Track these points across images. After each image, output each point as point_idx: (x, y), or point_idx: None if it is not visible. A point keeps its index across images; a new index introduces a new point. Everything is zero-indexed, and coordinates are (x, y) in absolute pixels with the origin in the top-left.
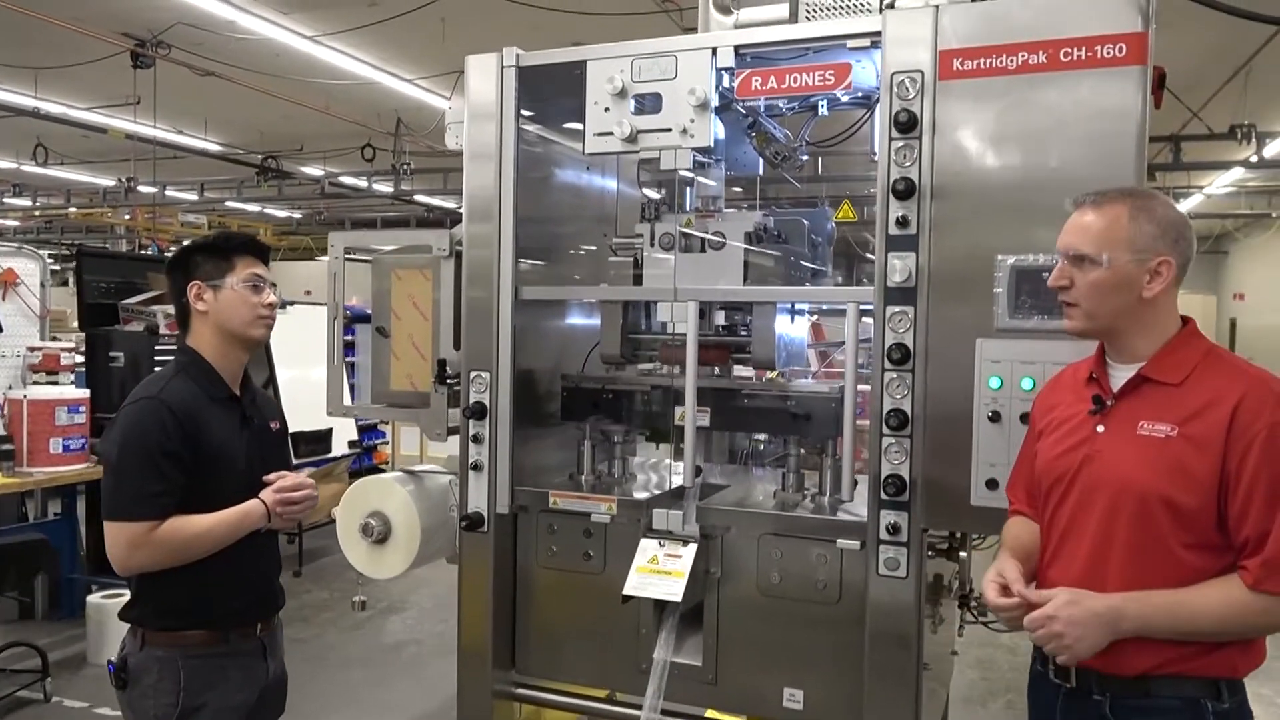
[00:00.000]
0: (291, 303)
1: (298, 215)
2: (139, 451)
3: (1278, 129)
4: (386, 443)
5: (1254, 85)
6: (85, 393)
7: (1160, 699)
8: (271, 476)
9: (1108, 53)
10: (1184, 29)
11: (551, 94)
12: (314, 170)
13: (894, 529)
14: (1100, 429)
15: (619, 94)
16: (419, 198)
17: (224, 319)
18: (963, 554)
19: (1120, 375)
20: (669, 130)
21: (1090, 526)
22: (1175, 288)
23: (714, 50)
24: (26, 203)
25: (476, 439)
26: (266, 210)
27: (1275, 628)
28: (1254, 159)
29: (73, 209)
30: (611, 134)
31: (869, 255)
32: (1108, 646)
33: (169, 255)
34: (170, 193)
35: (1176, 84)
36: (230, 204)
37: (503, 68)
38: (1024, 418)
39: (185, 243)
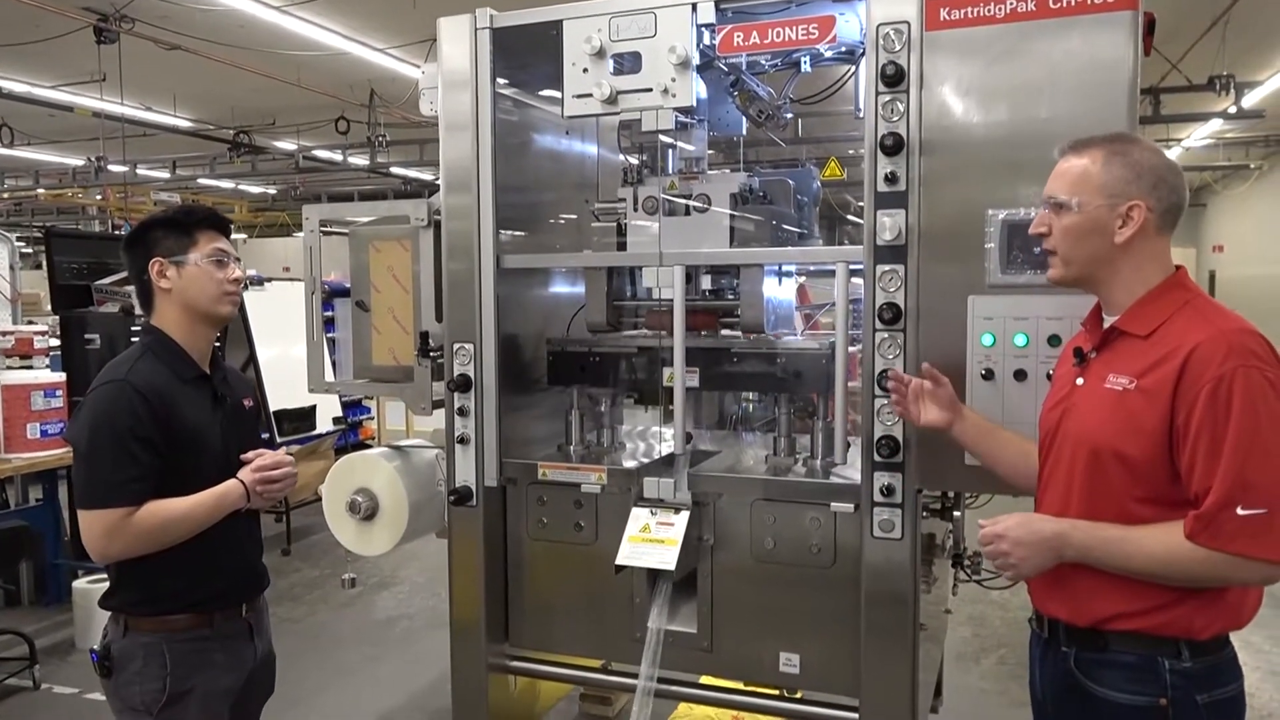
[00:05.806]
0: (269, 279)
1: (273, 191)
2: (110, 437)
3: (1256, 79)
4: (372, 418)
5: (1232, 35)
6: (61, 376)
7: (1117, 653)
8: (249, 455)
9: None
10: None
11: (528, 57)
12: (287, 145)
13: (888, 490)
14: (1080, 382)
15: (597, 54)
16: (395, 170)
17: (189, 296)
18: (956, 513)
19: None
20: (649, 90)
21: (1059, 479)
22: (1158, 236)
23: (694, 6)
24: None
25: (462, 412)
26: (241, 186)
27: (1209, 580)
28: (1233, 110)
29: (41, 190)
30: (591, 95)
31: (850, 217)
32: (1066, 592)
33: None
34: (142, 171)
35: (1155, 35)
36: (203, 181)
37: (476, 30)
38: (1018, 375)
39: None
